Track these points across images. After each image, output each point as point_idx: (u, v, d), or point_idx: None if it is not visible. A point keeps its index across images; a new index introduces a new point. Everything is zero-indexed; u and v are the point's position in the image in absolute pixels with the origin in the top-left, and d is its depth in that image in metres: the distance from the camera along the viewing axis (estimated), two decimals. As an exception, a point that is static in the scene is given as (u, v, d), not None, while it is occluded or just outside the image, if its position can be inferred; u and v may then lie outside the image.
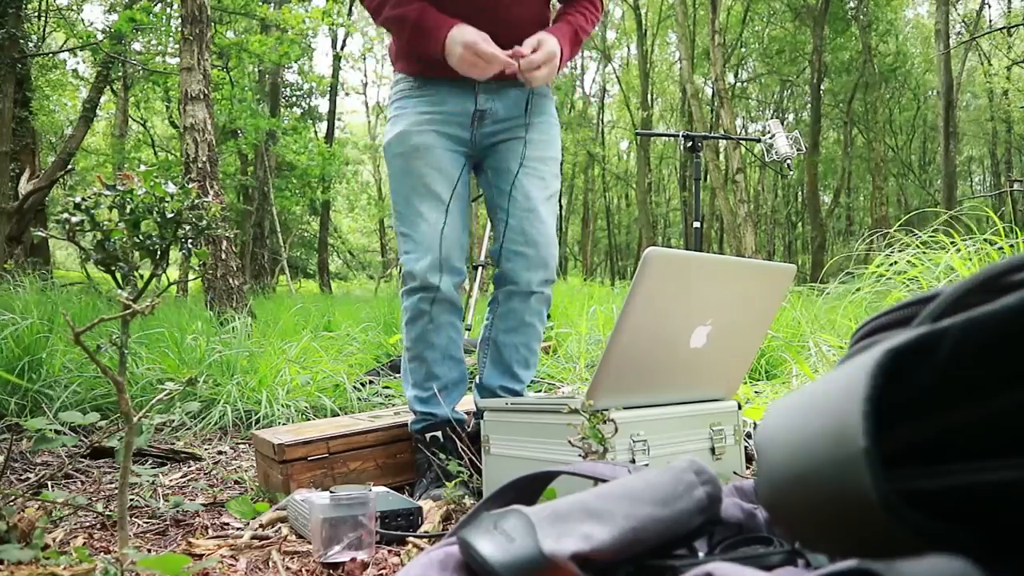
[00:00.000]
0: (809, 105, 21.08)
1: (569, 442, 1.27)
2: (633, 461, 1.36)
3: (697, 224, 3.19)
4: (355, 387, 3.07)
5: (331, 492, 1.26)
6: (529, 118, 1.80)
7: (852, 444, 0.32)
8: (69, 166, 9.28)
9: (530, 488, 0.75)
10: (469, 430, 1.83)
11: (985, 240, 2.46)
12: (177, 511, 1.59)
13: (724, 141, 15.47)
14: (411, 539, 1.35)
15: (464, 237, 1.79)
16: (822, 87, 19.35)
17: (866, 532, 0.33)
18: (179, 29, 5.20)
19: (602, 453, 1.23)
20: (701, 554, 0.59)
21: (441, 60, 1.66)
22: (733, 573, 0.48)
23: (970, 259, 2.41)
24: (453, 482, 1.58)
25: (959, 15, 20.91)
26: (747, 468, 1.64)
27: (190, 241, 1.21)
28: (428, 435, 1.77)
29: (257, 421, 2.61)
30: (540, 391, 3.28)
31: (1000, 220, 2.49)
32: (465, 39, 1.60)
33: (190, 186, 1.19)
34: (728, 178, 16.80)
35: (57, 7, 12.00)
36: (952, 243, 2.49)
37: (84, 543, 1.39)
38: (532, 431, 1.51)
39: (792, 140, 3.21)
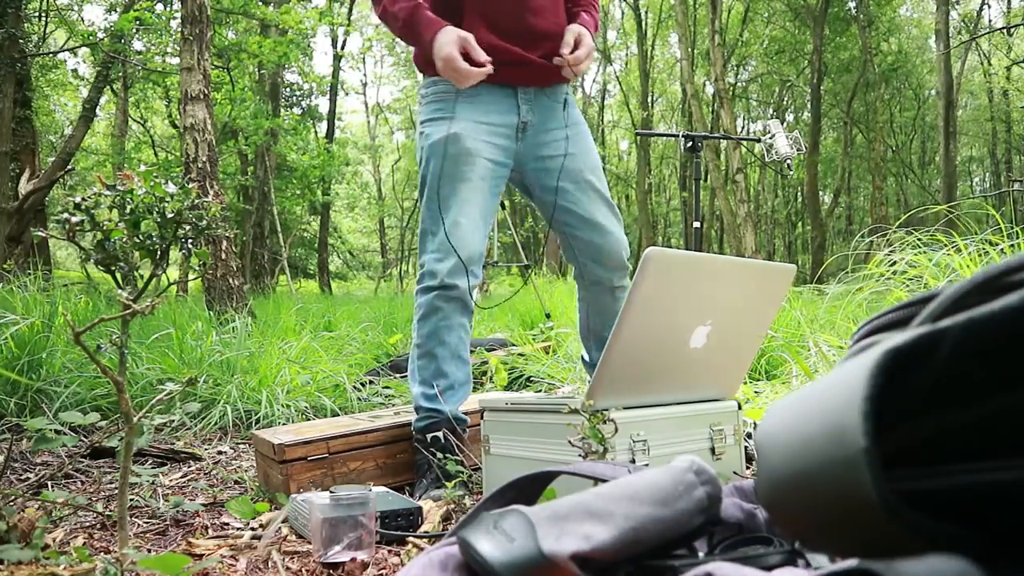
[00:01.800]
0: (809, 105, 21.08)
1: (569, 442, 1.27)
2: (633, 461, 1.36)
3: (697, 224, 3.19)
4: (355, 387, 3.07)
5: (331, 492, 1.27)
6: (568, 130, 1.88)
7: (852, 444, 0.32)
8: (69, 166, 9.28)
9: (530, 488, 0.75)
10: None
11: (986, 240, 2.45)
12: (177, 511, 1.59)
13: (724, 141, 15.47)
14: (411, 539, 1.35)
15: (485, 244, 1.84)
16: (822, 87, 19.34)
17: (866, 532, 0.33)
18: (179, 29, 5.20)
19: (602, 453, 1.23)
20: (701, 554, 0.59)
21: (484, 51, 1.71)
22: (733, 573, 0.48)
23: (971, 259, 2.41)
24: (453, 482, 1.58)
25: (959, 15, 20.91)
26: (747, 468, 1.64)
27: (190, 241, 1.21)
28: (429, 435, 1.77)
29: (257, 421, 2.61)
30: (540, 391, 3.28)
31: (1001, 220, 2.49)
32: (443, 53, 1.64)
33: (190, 186, 1.19)
34: (728, 178, 16.80)
35: (57, 7, 11.99)
36: (952, 243, 2.49)
37: (84, 543, 1.39)
38: (532, 431, 1.51)
39: (792, 140, 3.21)
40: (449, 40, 1.64)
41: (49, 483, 1.87)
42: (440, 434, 1.76)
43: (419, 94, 1.90)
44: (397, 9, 1.71)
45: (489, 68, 1.67)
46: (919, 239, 2.65)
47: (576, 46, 1.76)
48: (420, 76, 1.92)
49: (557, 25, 1.81)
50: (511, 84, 1.80)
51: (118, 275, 1.15)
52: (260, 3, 11.73)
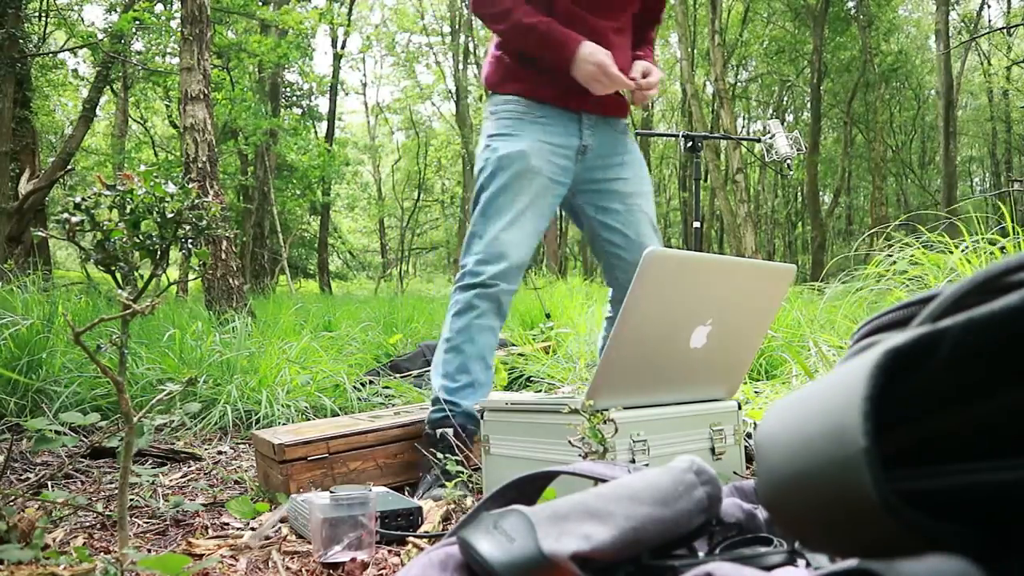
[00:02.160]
0: (809, 105, 21.07)
1: (569, 442, 1.27)
2: (633, 461, 1.36)
3: (697, 224, 3.18)
4: (355, 387, 3.07)
5: (331, 492, 1.27)
6: (623, 157, 1.99)
7: (852, 444, 0.32)
8: (69, 166, 9.28)
9: (530, 488, 0.75)
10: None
11: (987, 240, 2.45)
12: (177, 511, 1.59)
13: (724, 141, 15.46)
14: (411, 539, 1.35)
15: (529, 257, 1.91)
16: (822, 87, 19.34)
17: (866, 532, 0.33)
18: (179, 29, 5.19)
19: (602, 453, 1.23)
20: (701, 554, 0.59)
21: (555, 77, 1.85)
22: (733, 573, 0.48)
23: (972, 258, 2.41)
24: (453, 482, 1.58)
25: (959, 15, 20.91)
26: (747, 468, 1.64)
27: (190, 241, 1.21)
28: (439, 430, 1.79)
29: (257, 421, 2.61)
30: (540, 391, 3.28)
31: (1009, 218, 2.49)
32: (596, 59, 1.79)
33: (190, 186, 1.19)
34: (728, 178, 16.80)
35: (57, 7, 11.98)
36: (955, 243, 2.49)
37: (84, 543, 1.39)
38: (532, 431, 1.51)
39: (792, 140, 3.21)
40: (598, 49, 1.80)
41: (49, 483, 1.87)
42: (449, 431, 1.78)
43: (487, 111, 1.99)
44: (535, 22, 1.82)
45: (632, 83, 1.84)
46: (918, 240, 2.65)
47: (644, 76, 1.90)
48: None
49: (626, 64, 1.94)
50: (576, 110, 1.93)
51: (118, 275, 1.15)
52: (260, 3, 11.72)
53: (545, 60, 1.86)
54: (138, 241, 1.15)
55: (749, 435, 1.84)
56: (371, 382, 3.27)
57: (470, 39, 22.34)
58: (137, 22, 8.47)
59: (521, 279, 1.89)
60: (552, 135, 1.90)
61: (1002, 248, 2.42)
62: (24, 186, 8.35)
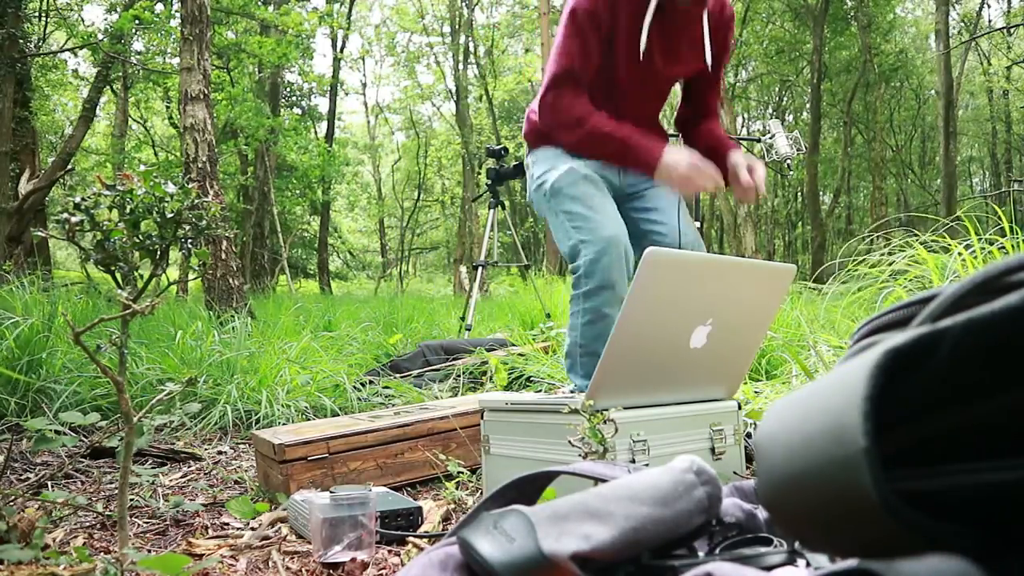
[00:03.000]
0: (809, 105, 21.06)
1: (569, 442, 1.27)
2: (633, 461, 1.36)
3: (697, 224, 3.18)
4: (355, 387, 3.07)
5: (331, 492, 1.27)
6: None
7: (852, 444, 0.32)
8: (69, 166, 9.28)
9: (530, 488, 0.75)
10: None
11: (986, 240, 2.45)
12: (177, 511, 1.59)
13: (724, 141, 15.41)
14: (411, 539, 1.35)
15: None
16: (822, 87, 19.33)
17: (866, 532, 0.33)
18: (179, 29, 5.20)
19: (602, 453, 1.23)
20: (701, 554, 0.59)
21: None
22: (733, 573, 0.48)
23: (972, 258, 2.41)
24: (453, 482, 1.58)
25: (959, 15, 20.91)
26: (747, 468, 1.64)
27: (190, 241, 1.21)
28: None
29: (257, 421, 2.61)
30: (540, 391, 3.28)
31: (1005, 219, 2.49)
32: (691, 159, 1.82)
33: (190, 186, 1.19)
34: (728, 178, 16.77)
35: (57, 7, 11.98)
36: (956, 243, 2.48)
37: (84, 543, 1.39)
38: (532, 431, 1.51)
39: (792, 140, 3.21)
40: (682, 157, 1.82)
41: (49, 483, 1.87)
42: None
43: (529, 161, 2.10)
44: (612, 129, 1.87)
45: (720, 184, 1.85)
46: (919, 240, 2.65)
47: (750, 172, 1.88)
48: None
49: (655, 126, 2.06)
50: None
51: (118, 275, 1.15)
52: (260, 4, 11.72)
53: (624, 164, 1.96)
54: (138, 241, 1.15)
55: (749, 435, 1.84)
56: (371, 382, 3.27)
57: (470, 39, 22.34)
58: (137, 20, 8.46)
59: (634, 257, 1.94)
60: (593, 160, 1.99)
61: (1002, 248, 2.42)
62: (24, 186, 8.34)
